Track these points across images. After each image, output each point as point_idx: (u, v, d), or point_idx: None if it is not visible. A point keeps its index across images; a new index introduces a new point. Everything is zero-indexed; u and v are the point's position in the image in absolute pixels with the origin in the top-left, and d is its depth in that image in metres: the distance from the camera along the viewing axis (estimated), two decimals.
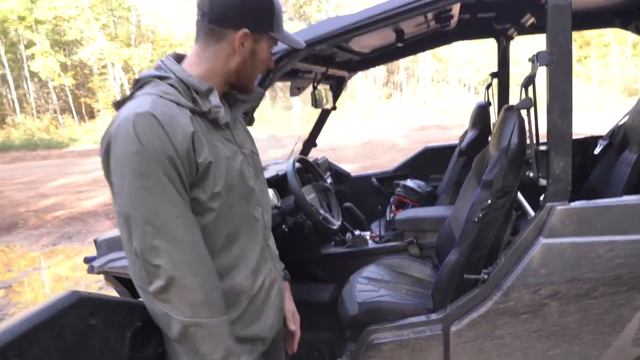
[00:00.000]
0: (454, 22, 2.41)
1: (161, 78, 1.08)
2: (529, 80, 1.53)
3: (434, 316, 1.67)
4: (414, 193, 2.87)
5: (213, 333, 1.04)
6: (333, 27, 1.68)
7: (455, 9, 2.08)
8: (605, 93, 23.69)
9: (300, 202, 1.96)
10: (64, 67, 24.04)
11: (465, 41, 2.95)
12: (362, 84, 26.39)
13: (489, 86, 2.85)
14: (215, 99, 1.09)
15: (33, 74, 24.10)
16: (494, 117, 2.92)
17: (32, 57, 23.43)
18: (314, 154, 3.36)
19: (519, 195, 1.95)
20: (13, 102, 24.45)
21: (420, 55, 24.38)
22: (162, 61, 1.13)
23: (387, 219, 2.89)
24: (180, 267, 1.00)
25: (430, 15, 2.18)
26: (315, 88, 2.51)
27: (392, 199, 3.02)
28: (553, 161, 1.49)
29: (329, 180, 3.19)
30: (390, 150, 12.08)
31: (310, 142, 3.29)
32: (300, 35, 1.74)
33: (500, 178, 1.60)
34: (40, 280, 5.01)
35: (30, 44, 23.74)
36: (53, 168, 13.83)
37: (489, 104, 2.90)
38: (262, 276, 1.22)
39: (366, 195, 3.37)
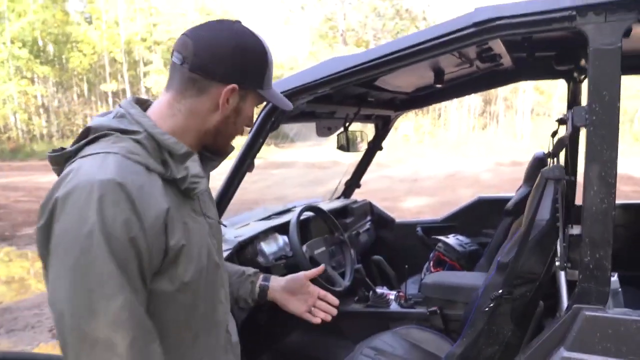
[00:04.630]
0: (507, 61, 2.09)
1: (124, 132, 0.86)
2: (561, 145, 1.21)
3: None
4: (454, 252, 2.52)
5: None
6: (336, 69, 1.48)
7: (498, 47, 1.77)
8: None
9: (297, 259, 1.76)
10: None
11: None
12: (456, 113, 25.45)
13: (554, 134, 2.43)
14: (195, 166, 0.91)
15: (147, 89, 26.60)
16: None
17: (148, 74, 25.92)
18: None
19: (562, 277, 1.57)
20: None
21: (521, 85, 22.99)
22: (122, 107, 0.91)
23: (422, 277, 2.57)
24: None
25: (471, 54, 1.90)
26: (346, 129, 2.30)
27: (431, 255, 2.69)
28: (586, 250, 1.14)
29: (367, 226, 2.94)
30: (473, 186, 11.33)
31: (353, 183, 3.08)
32: (302, 76, 1.58)
33: (518, 262, 1.28)
34: None
35: (147, 63, 26.32)
36: None
37: (552, 155, 2.47)
38: None
39: (410, 245, 3.06)
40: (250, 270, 1.28)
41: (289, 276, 1.27)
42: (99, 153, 0.82)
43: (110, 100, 26.95)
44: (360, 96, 2.21)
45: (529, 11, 1.18)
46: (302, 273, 1.27)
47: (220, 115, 0.94)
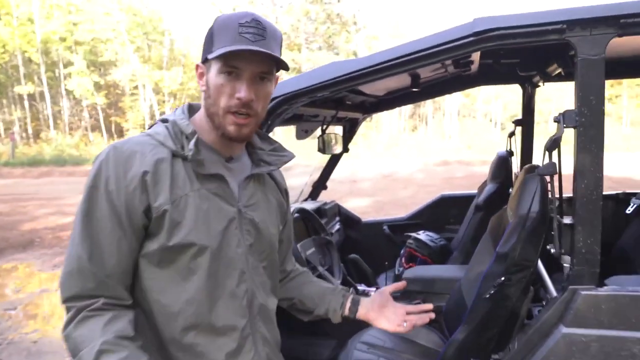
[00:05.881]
0: (475, 67, 2.25)
1: (163, 121, 1.06)
2: (554, 143, 1.35)
3: None
4: (425, 247, 2.67)
5: None
6: (337, 74, 1.54)
7: (475, 54, 1.92)
8: (637, 134, 23.00)
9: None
10: (98, 87, 24.82)
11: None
12: (388, 116, 26.35)
13: (511, 134, 2.65)
14: (192, 142, 0.99)
15: (68, 92, 24.93)
16: (516, 167, 2.71)
17: (69, 76, 24.31)
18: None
19: (540, 265, 1.74)
20: (48, 118, 25.25)
21: None
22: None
23: (396, 272, 2.68)
24: None
25: (448, 61, 2.03)
26: (323, 132, 2.36)
27: (402, 251, 2.82)
28: (578, 238, 1.29)
29: (337, 227, 3.02)
30: (410, 185, 11.85)
31: (320, 185, 3.14)
32: (302, 80, 1.61)
33: (516, 251, 1.41)
34: (46, 304, 4.90)
35: (68, 64, 24.67)
36: (77, 185, 14.03)
37: (511, 154, 2.70)
38: None
39: (377, 243, 3.17)
40: (341, 286, 1.35)
41: (375, 293, 1.31)
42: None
43: (26, 103, 24.95)
44: (339, 100, 2.28)
45: (525, 23, 1.31)
46: (384, 288, 1.31)
47: (204, 94, 1.04)
